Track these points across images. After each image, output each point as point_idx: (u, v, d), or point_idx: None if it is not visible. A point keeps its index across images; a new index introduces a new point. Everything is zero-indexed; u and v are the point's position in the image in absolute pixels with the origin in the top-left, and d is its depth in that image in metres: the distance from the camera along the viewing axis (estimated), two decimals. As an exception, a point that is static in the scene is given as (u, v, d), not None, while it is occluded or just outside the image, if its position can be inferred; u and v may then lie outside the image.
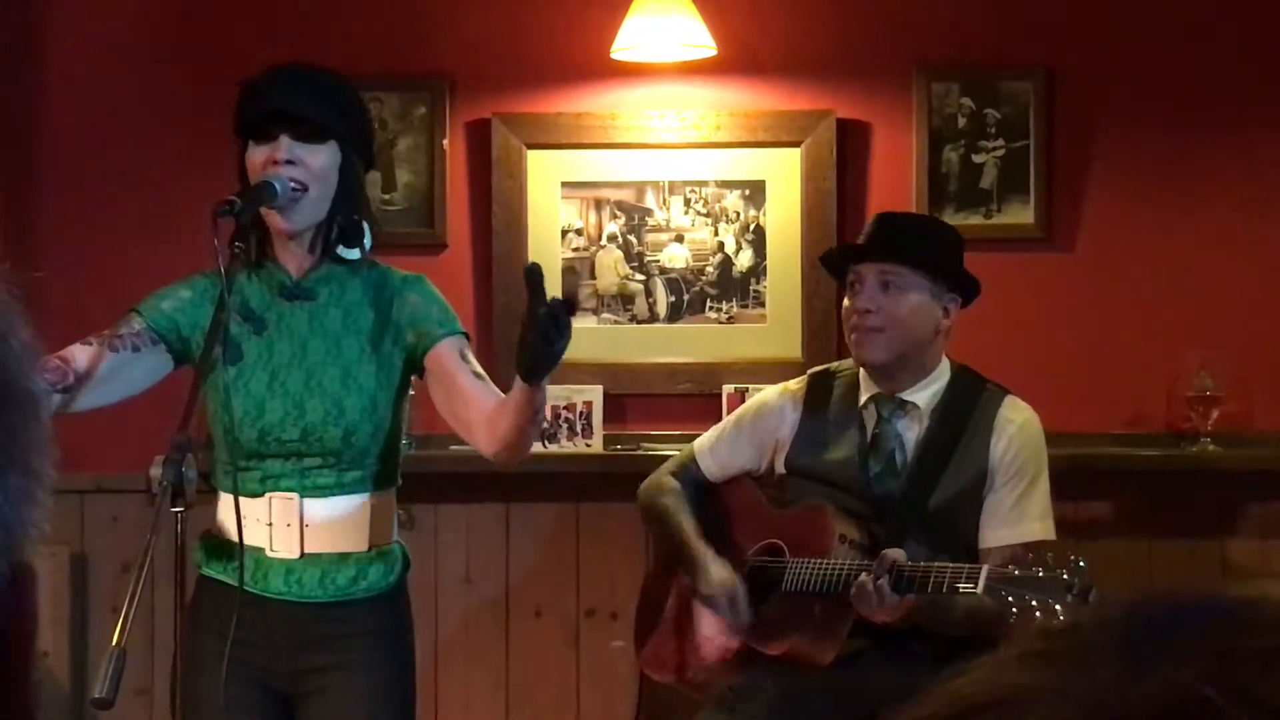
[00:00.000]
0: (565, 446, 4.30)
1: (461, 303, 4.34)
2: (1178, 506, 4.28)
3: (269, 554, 2.81)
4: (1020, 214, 4.37)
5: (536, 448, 4.29)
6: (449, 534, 4.34)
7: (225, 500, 2.86)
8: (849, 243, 3.46)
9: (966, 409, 3.36)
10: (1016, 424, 3.34)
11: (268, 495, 2.81)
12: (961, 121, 4.38)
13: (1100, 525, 4.23)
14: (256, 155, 2.79)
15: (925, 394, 3.36)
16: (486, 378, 2.91)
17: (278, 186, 2.78)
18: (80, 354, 2.79)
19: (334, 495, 2.85)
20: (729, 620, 3.37)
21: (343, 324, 2.88)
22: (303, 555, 2.83)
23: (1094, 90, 4.37)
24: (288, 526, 2.82)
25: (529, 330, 2.57)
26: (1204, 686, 0.60)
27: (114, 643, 2.34)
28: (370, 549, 2.88)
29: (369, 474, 2.87)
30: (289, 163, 2.77)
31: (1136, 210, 4.37)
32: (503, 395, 2.82)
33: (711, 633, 3.40)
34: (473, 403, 2.85)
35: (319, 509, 2.84)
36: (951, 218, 4.28)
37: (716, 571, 3.39)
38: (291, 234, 2.83)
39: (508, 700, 4.36)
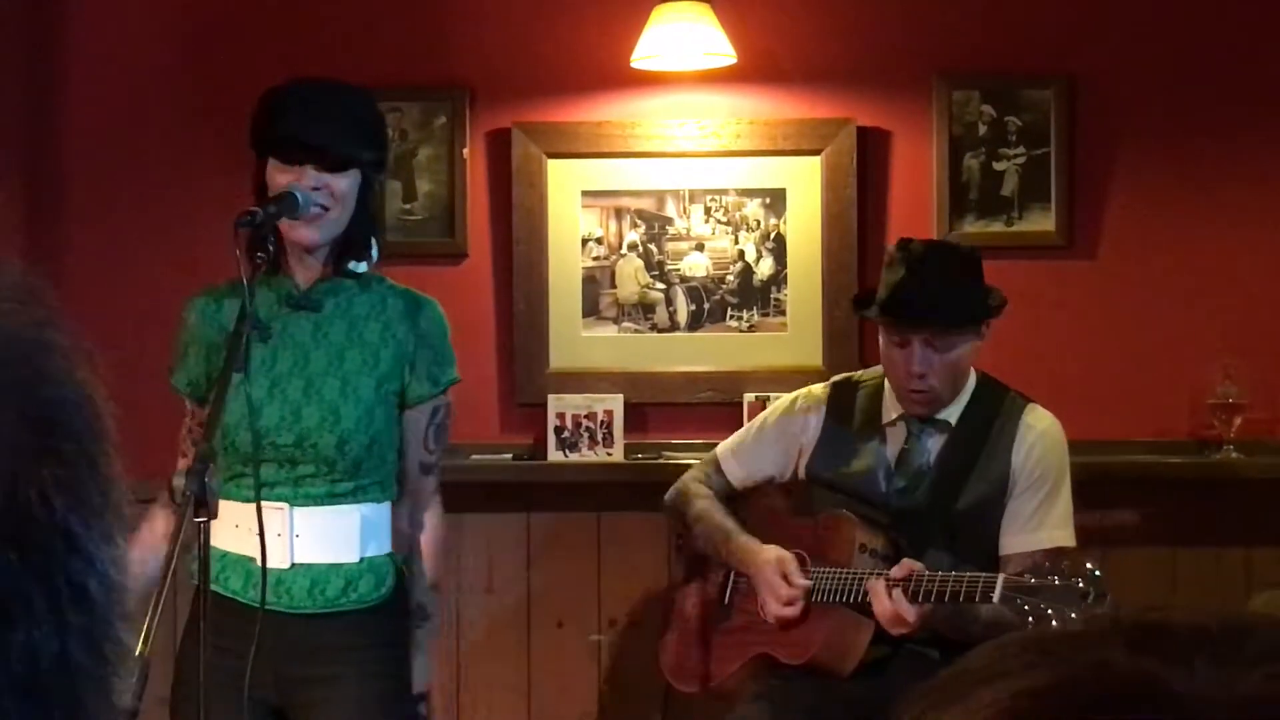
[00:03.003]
0: (586, 456, 4.29)
1: (481, 312, 4.35)
2: (1202, 514, 4.26)
3: (259, 564, 2.76)
4: (1041, 221, 4.35)
5: (557, 457, 4.30)
6: (470, 544, 4.34)
7: (228, 506, 2.81)
8: (888, 302, 3.30)
9: (990, 417, 3.36)
10: (1039, 431, 3.34)
11: (263, 504, 2.77)
12: (982, 129, 4.36)
13: (1124, 533, 4.21)
14: (280, 176, 2.86)
15: (956, 409, 3.37)
16: (434, 469, 3.02)
17: (299, 198, 2.82)
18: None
19: (325, 505, 2.87)
20: (786, 591, 3.34)
21: (346, 336, 2.92)
22: (292, 565, 2.86)
23: (1115, 97, 4.36)
24: (278, 536, 2.83)
25: None
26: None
27: (137, 652, 2.35)
28: (360, 560, 2.89)
29: (362, 485, 2.90)
30: (314, 189, 2.84)
31: (1158, 217, 4.36)
32: (431, 495, 3.02)
33: (775, 608, 3.37)
34: (407, 485, 2.99)
35: (309, 519, 2.86)
36: (972, 225, 4.28)
37: (769, 550, 3.38)
38: (314, 247, 2.89)
39: (529, 711, 4.35)
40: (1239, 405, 4.20)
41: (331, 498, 2.87)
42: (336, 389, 2.88)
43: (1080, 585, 2.90)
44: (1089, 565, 2.95)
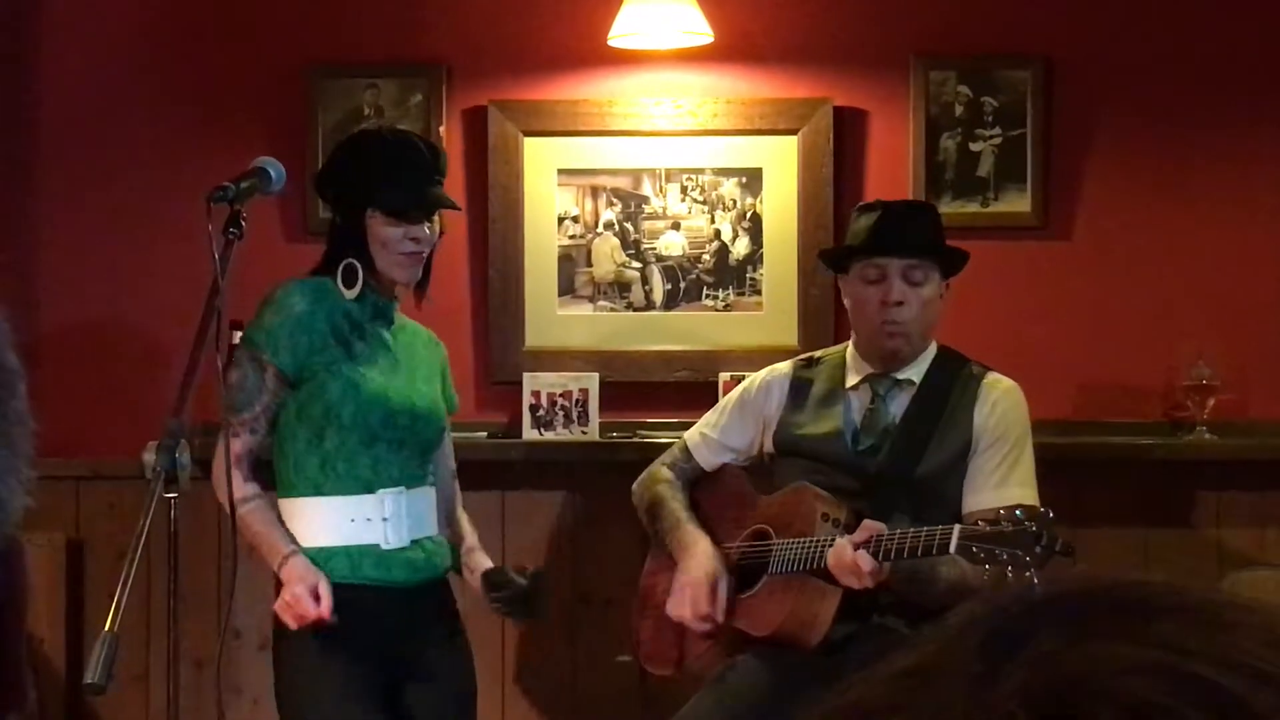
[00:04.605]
0: (561, 434, 4.30)
1: (457, 290, 4.35)
2: (1174, 495, 4.28)
3: (384, 547, 3.13)
4: (1017, 202, 4.36)
5: (532, 435, 4.30)
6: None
7: (332, 503, 3.11)
8: (867, 236, 3.41)
9: (951, 380, 3.42)
10: (1000, 391, 3.42)
11: (380, 493, 3.13)
12: (959, 110, 4.37)
13: (1096, 514, 4.22)
14: (394, 231, 3.14)
15: (918, 369, 3.42)
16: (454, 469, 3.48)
17: (272, 173, 2.83)
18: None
19: (419, 485, 3.22)
20: (703, 609, 3.35)
21: (411, 346, 3.29)
22: (412, 543, 3.17)
23: (1091, 79, 4.36)
24: (398, 519, 3.15)
25: (513, 599, 3.26)
26: (1051, 693, 0.58)
27: (106, 628, 2.35)
28: (439, 533, 3.28)
29: (429, 469, 3.28)
30: (414, 239, 3.15)
31: (1134, 199, 4.37)
32: (455, 491, 3.46)
33: (682, 614, 3.39)
34: (445, 489, 3.41)
35: (415, 499, 3.19)
36: (948, 206, 4.28)
37: (705, 555, 3.39)
38: (412, 282, 3.22)
39: (504, 687, 4.36)
40: (1212, 386, 4.22)
41: (421, 478, 3.22)
42: (426, 383, 3.27)
43: (1034, 529, 2.91)
44: (1042, 509, 2.97)
